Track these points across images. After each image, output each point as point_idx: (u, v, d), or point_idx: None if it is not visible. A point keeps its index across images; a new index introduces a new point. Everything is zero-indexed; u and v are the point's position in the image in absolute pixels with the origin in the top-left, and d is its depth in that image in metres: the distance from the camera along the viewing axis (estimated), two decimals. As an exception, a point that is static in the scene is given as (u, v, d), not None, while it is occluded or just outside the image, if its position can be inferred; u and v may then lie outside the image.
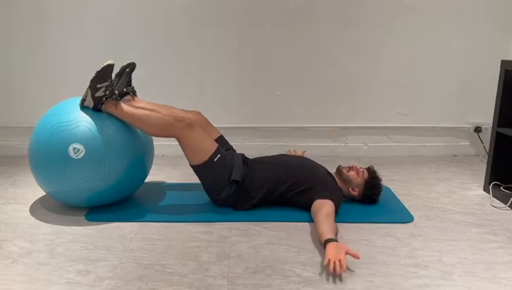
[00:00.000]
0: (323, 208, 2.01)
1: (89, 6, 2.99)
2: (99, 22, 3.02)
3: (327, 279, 1.66)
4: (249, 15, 3.04)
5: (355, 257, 1.69)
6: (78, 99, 2.16)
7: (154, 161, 2.46)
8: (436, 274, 1.71)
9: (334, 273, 1.65)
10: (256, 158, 2.40)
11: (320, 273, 1.70)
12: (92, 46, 3.04)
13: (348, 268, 1.68)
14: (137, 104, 2.30)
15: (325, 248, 1.76)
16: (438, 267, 1.76)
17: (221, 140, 2.39)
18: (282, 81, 3.14)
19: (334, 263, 1.65)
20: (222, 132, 2.46)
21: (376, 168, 2.36)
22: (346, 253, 1.69)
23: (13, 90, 3.13)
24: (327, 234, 1.81)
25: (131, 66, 2.32)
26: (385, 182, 2.42)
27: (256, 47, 3.09)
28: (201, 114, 2.43)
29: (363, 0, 3.04)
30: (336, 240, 1.78)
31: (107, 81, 2.09)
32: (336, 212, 2.06)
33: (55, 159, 2.04)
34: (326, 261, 1.67)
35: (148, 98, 2.44)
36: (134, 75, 2.37)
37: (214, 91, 3.15)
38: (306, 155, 2.58)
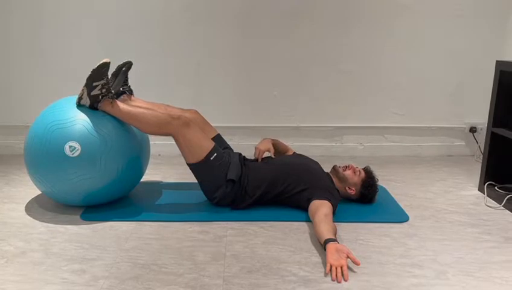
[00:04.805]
0: (322, 208, 2.01)
1: (87, 6, 2.98)
2: (97, 21, 3.00)
3: (323, 278, 1.66)
4: (246, 15, 3.04)
5: (355, 263, 1.70)
6: (75, 98, 2.15)
7: (151, 160, 2.46)
8: (431, 274, 1.72)
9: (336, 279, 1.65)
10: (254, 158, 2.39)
11: (316, 273, 1.70)
12: (89, 45, 3.02)
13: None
14: (133, 103, 2.29)
15: (325, 248, 1.77)
16: (432, 266, 1.77)
17: (218, 139, 2.38)
18: (279, 81, 3.14)
19: (336, 269, 1.66)
20: (219, 131, 2.45)
21: (372, 167, 2.36)
22: (347, 257, 1.70)
23: (10, 89, 3.11)
24: (326, 234, 1.82)
25: (128, 65, 2.31)
26: (380, 181, 2.43)
27: (253, 47, 3.09)
28: (198, 113, 2.42)
29: (359, 1, 3.04)
30: (336, 240, 1.79)
31: (103, 79, 2.08)
32: (333, 212, 2.06)
33: (51, 158, 2.03)
34: (328, 268, 1.68)
35: (145, 97, 2.43)
36: (131, 74, 2.37)
37: (210, 90, 3.14)
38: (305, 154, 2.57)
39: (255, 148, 2.39)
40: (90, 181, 2.08)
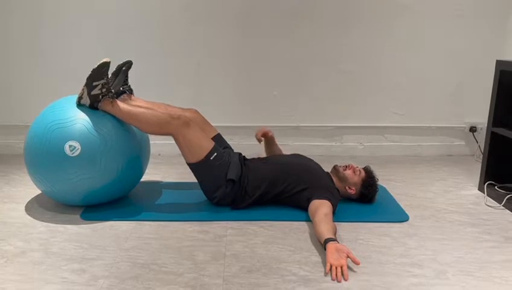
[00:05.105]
0: (321, 208, 2.01)
1: (87, 6, 2.98)
2: (97, 21, 3.00)
3: (323, 278, 1.66)
4: (246, 15, 3.04)
5: (355, 262, 1.70)
6: (75, 98, 2.15)
7: (151, 159, 2.46)
8: (431, 273, 1.71)
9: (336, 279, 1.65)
10: (254, 158, 2.39)
11: (316, 273, 1.70)
12: (89, 45, 3.03)
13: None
14: (134, 103, 2.29)
15: (325, 248, 1.77)
16: (432, 266, 1.77)
17: (218, 138, 2.38)
18: (279, 81, 3.14)
19: (336, 269, 1.66)
20: (219, 131, 2.45)
21: (372, 167, 2.36)
22: (347, 256, 1.70)
23: (10, 89, 3.11)
24: (326, 233, 1.82)
25: (128, 64, 2.32)
26: (381, 181, 2.43)
27: (253, 47, 3.09)
28: (198, 112, 2.42)
29: (359, 1, 3.04)
30: (336, 240, 1.79)
31: (103, 79, 2.08)
32: (333, 212, 2.06)
33: (51, 157, 2.03)
34: (328, 267, 1.68)
35: (145, 97, 2.43)
36: (131, 74, 2.37)
37: (210, 90, 3.14)
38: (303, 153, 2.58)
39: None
40: (90, 181, 2.08)
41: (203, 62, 3.10)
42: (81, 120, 2.07)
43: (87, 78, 2.07)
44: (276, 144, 2.57)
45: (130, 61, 2.32)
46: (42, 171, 2.09)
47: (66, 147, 2.02)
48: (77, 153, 2.03)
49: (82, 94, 2.10)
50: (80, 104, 2.12)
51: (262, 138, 2.51)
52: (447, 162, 3.15)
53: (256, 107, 3.18)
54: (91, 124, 2.07)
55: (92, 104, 2.11)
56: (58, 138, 2.03)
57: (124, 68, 2.30)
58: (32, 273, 1.67)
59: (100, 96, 2.10)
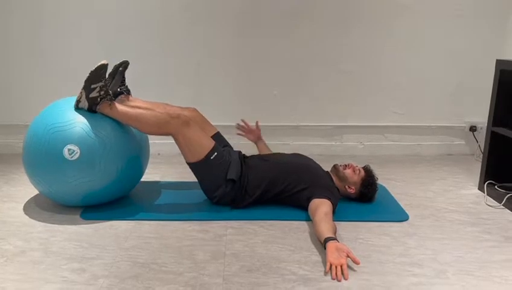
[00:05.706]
0: (322, 207, 2.01)
1: (87, 6, 2.98)
2: (97, 21, 3.01)
3: (323, 277, 1.66)
4: (246, 14, 3.04)
5: (355, 262, 1.70)
6: (73, 99, 2.14)
7: (150, 159, 2.46)
8: (431, 273, 1.71)
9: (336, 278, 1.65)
10: (254, 156, 2.39)
11: (316, 272, 1.70)
12: (89, 45, 3.03)
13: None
14: (132, 103, 2.29)
15: (325, 247, 1.77)
16: (432, 265, 1.76)
17: (217, 137, 2.38)
18: (279, 80, 3.15)
19: (336, 268, 1.66)
20: (218, 130, 2.45)
21: (372, 166, 2.36)
22: (347, 256, 1.70)
23: (10, 89, 3.11)
24: (326, 233, 1.82)
25: (125, 65, 2.30)
26: (380, 180, 2.43)
27: (253, 46, 3.09)
28: (197, 111, 2.42)
29: (359, 1, 3.04)
30: (336, 239, 1.79)
31: (101, 81, 2.06)
32: (333, 211, 2.06)
33: (50, 160, 2.02)
34: (328, 266, 1.68)
35: (145, 97, 2.43)
36: (131, 74, 2.36)
37: (210, 90, 3.14)
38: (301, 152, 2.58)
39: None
40: (90, 183, 2.07)
41: (203, 62, 3.10)
42: (80, 123, 2.05)
43: (85, 81, 2.05)
44: (266, 146, 2.66)
45: (127, 61, 2.30)
46: (40, 172, 2.08)
47: (65, 150, 2.01)
48: (76, 156, 2.02)
49: (80, 97, 2.08)
50: (78, 108, 2.10)
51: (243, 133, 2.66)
52: (447, 161, 3.15)
53: (256, 106, 3.18)
54: (90, 127, 2.05)
55: (90, 107, 2.08)
56: (57, 141, 2.01)
57: (120, 69, 2.29)
58: (32, 272, 1.67)
59: (98, 99, 2.08)
